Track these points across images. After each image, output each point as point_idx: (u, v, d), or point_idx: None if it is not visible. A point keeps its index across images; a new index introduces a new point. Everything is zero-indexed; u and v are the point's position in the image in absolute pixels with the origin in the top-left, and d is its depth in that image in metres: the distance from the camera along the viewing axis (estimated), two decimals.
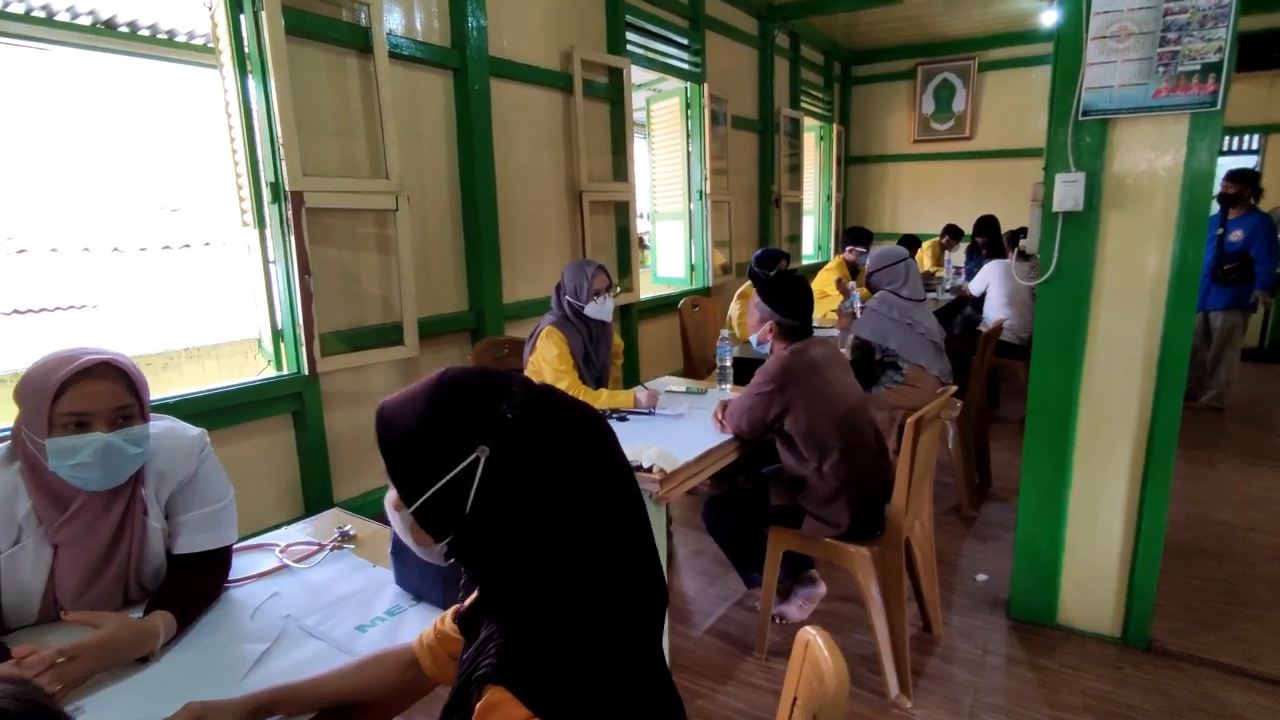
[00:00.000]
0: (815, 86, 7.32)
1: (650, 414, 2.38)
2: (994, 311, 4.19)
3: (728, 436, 2.13)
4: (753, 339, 2.25)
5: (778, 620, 2.34)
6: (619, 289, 2.53)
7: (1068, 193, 2.06)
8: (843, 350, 3.14)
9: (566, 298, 2.56)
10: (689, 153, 5.31)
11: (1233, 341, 4.57)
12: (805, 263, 7.19)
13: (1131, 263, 2.05)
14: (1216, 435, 4.20)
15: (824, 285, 4.87)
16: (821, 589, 2.37)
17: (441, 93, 3.28)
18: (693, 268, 5.51)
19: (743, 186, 6.05)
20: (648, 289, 5.74)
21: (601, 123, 4.30)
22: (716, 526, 2.25)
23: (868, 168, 8.20)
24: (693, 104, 5.25)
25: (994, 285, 4.16)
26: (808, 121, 7.22)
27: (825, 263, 5.45)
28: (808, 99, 7.11)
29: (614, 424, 2.31)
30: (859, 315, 3.38)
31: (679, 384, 2.81)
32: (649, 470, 1.81)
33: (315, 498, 2.82)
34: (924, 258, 6.57)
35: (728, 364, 2.69)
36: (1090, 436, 2.17)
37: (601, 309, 2.54)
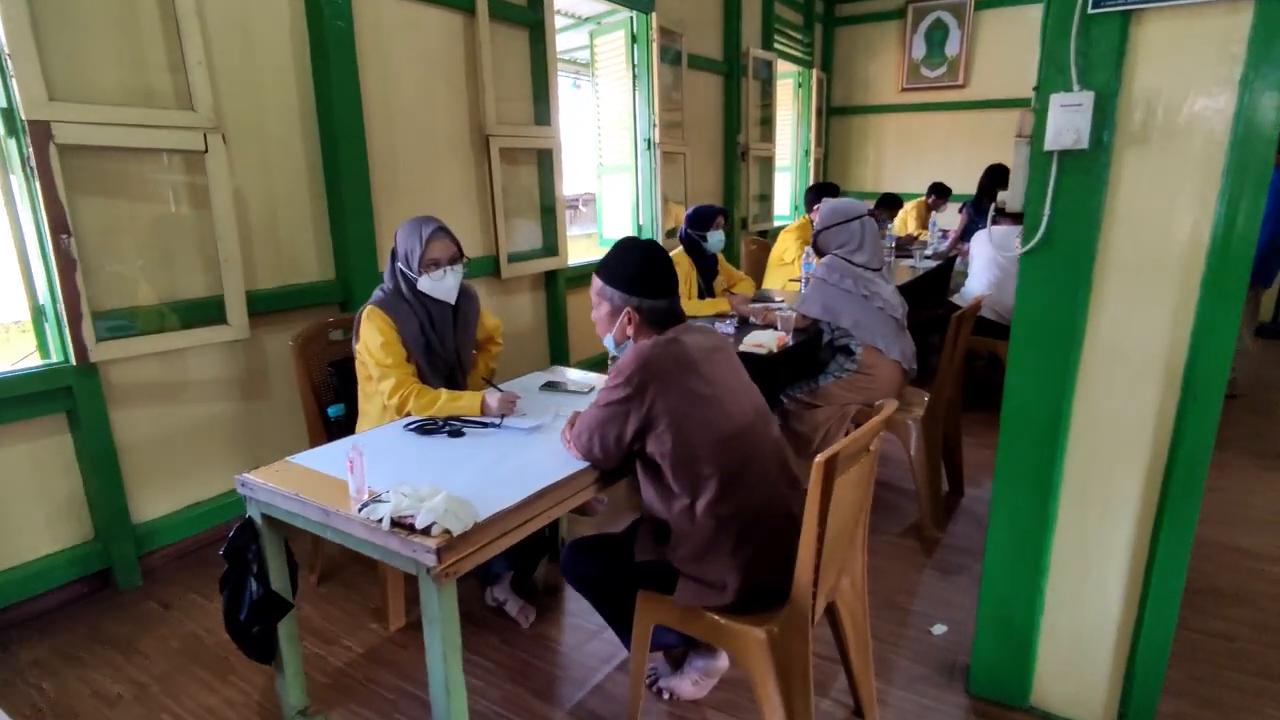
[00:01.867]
0: (792, 25, 6.55)
1: (497, 426, 1.77)
2: (974, 284, 3.58)
3: (583, 463, 1.54)
4: (608, 340, 1.64)
5: (667, 697, 1.78)
6: (460, 260, 1.91)
7: (1067, 122, 1.43)
8: (781, 334, 2.53)
9: (399, 266, 1.93)
10: (635, 96, 4.61)
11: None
12: (778, 224, 6.53)
13: (1155, 224, 1.43)
14: (1225, 429, 3.61)
15: (783, 250, 4.24)
16: (723, 662, 1.80)
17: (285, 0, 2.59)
18: (640, 229, 4.85)
19: (703, 138, 5.36)
20: (594, 252, 5.10)
21: (517, 53, 3.60)
22: (579, 579, 1.67)
23: (850, 119, 7.47)
24: (639, 37, 4.53)
25: (975, 253, 3.53)
26: (783, 67, 6.48)
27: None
28: (783, 39, 6.36)
29: (444, 440, 1.71)
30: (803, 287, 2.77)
31: (576, 378, 2.21)
32: (425, 532, 1.21)
33: (106, 518, 2.23)
34: (908, 219, 5.93)
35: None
36: (1084, 464, 1.58)
37: (440, 285, 1.91)
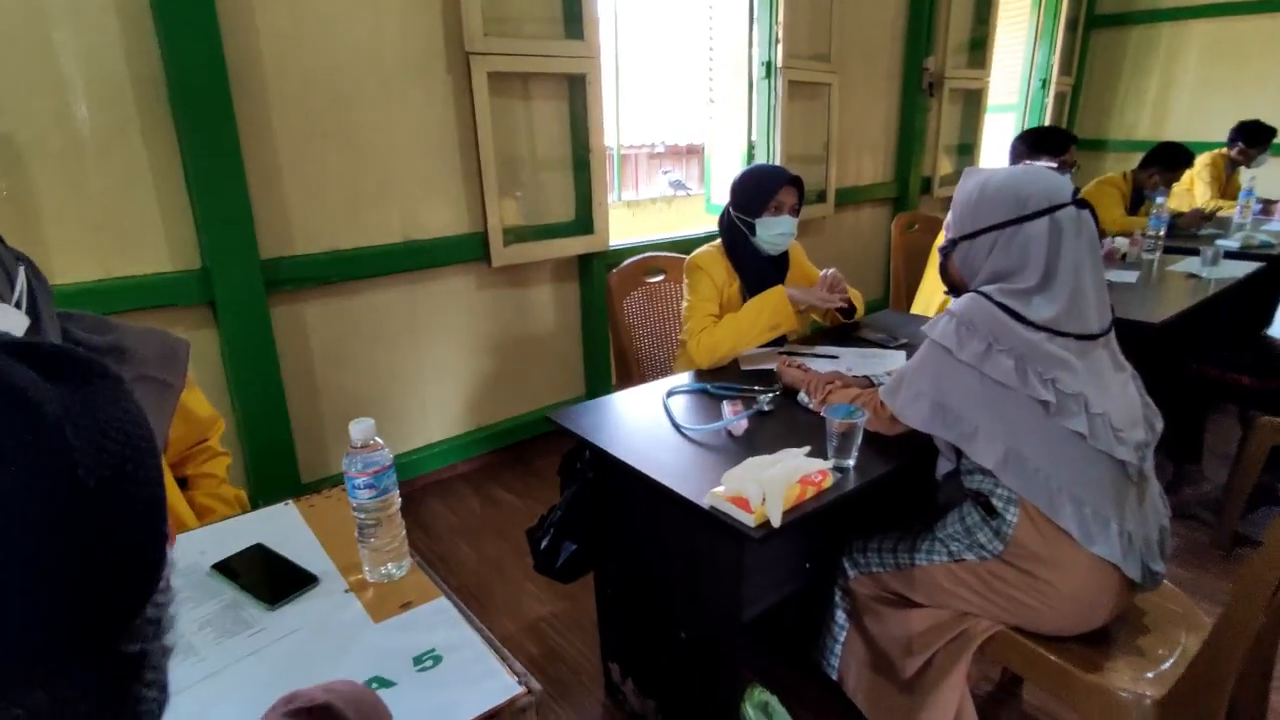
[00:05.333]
0: None
1: None
2: None
3: None
4: None
5: None
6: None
7: None
8: (820, 470, 1.17)
9: None
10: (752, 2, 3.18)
11: None
12: None
13: None
14: None
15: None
16: None
17: None
18: None
19: (868, 64, 3.74)
20: (695, 224, 3.80)
21: None
22: None
23: (1124, 34, 5.16)
24: None
25: None
26: None
27: None
28: None
29: None
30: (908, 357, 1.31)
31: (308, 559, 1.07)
32: None
33: None
34: (1194, 184, 3.80)
35: None
36: None
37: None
